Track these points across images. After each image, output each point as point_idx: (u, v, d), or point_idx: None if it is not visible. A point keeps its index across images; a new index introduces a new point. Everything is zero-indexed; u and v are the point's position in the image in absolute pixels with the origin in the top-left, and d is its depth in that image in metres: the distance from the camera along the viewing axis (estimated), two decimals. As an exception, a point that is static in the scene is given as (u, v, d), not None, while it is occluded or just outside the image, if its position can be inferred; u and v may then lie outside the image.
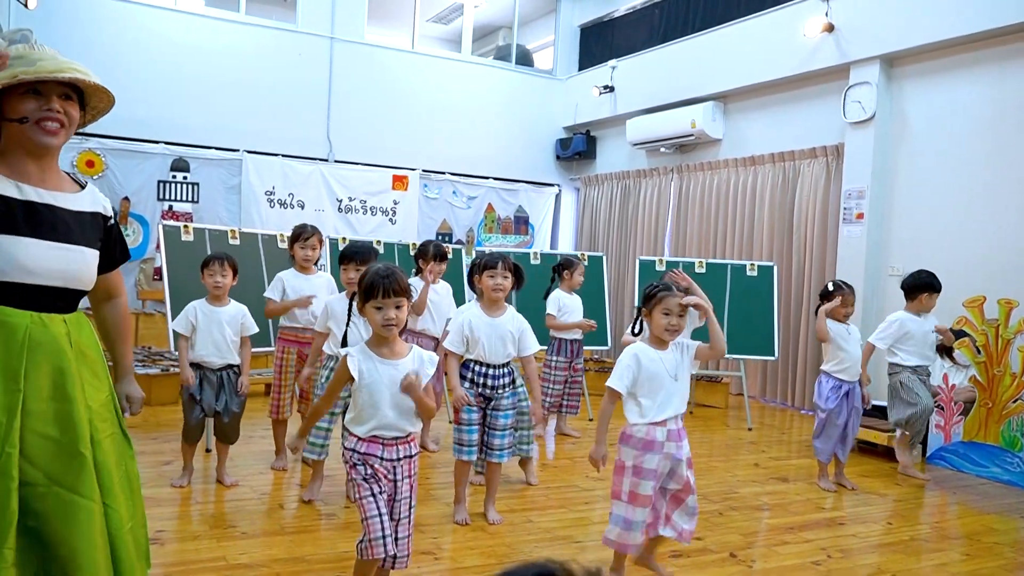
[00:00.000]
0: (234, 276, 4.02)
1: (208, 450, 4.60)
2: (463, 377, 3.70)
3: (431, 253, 4.91)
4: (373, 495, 2.54)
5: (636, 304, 3.19)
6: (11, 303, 1.82)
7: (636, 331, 3.09)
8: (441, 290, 5.07)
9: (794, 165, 7.34)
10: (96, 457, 1.90)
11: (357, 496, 2.57)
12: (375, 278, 2.50)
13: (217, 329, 3.94)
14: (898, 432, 5.06)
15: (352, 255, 3.92)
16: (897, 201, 6.48)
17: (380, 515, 2.53)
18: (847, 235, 6.69)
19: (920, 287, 4.93)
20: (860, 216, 6.57)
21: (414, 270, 5.07)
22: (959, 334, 5.30)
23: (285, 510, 3.79)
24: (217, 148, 8.16)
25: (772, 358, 6.61)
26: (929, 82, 6.25)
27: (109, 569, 1.89)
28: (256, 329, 4.11)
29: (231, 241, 5.27)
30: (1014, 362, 4.96)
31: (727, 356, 5.99)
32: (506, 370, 3.71)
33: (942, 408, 5.31)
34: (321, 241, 4.44)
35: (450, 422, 5.69)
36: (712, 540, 3.62)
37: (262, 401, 6.41)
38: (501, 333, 3.66)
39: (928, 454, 5.37)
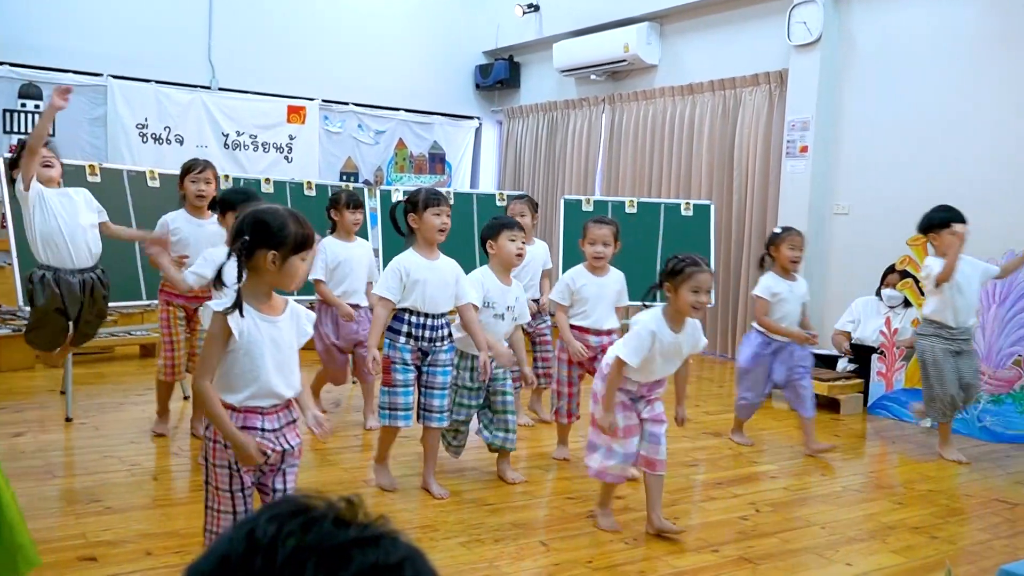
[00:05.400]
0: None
1: (68, 419, 4.52)
2: (398, 331, 3.63)
3: (343, 201, 4.73)
4: (231, 491, 2.44)
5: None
6: None
7: (649, 302, 3.35)
8: (362, 245, 4.82)
9: (735, 94, 7.46)
10: None
11: (213, 483, 2.45)
12: (304, 227, 2.42)
13: (69, 216, 3.81)
14: (923, 420, 5.00)
15: (243, 198, 3.83)
16: (844, 133, 6.67)
17: (235, 513, 2.43)
18: (791, 170, 6.87)
19: (933, 224, 4.53)
20: (804, 149, 6.75)
21: (329, 229, 4.81)
22: (903, 275, 5.54)
23: (158, 482, 3.76)
24: (76, 72, 7.78)
25: (709, 306, 6.77)
26: (880, 0, 6.40)
27: None
28: (105, 215, 4.21)
29: (90, 178, 5.09)
30: (958, 303, 5.21)
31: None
32: (444, 320, 3.70)
33: (884, 355, 5.57)
34: (216, 176, 4.37)
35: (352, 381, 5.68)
36: (635, 498, 3.75)
37: (136, 364, 6.30)
38: (442, 278, 3.63)
39: (869, 403, 5.63)
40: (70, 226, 4.07)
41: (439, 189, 3.73)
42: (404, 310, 3.61)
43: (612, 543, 3.27)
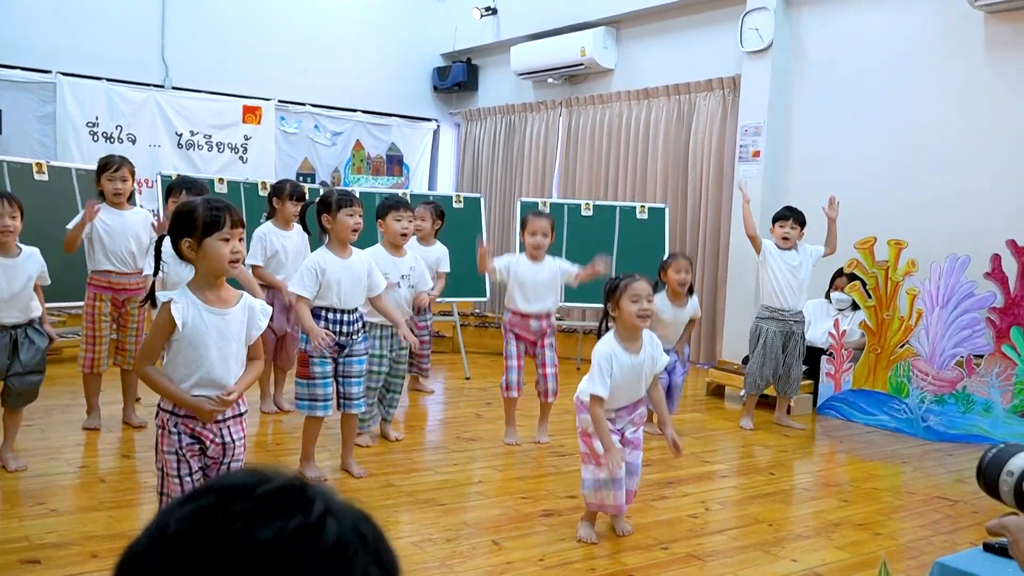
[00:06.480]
0: (21, 218, 3.69)
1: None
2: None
3: (287, 192, 4.93)
4: (180, 476, 2.51)
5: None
6: None
7: (604, 330, 3.36)
8: (296, 236, 4.99)
9: (689, 99, 7.55)
10: None
11: (163, 469, 2.54)
12: (217, 209, 2.48)
13: (5, 281, 3.66)
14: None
15: (187, 186, 3.90)
16: (795, 137, 6.80)
17: None
18: (744, 174, 6.97)
19: (775, 218, 5.34)
20: (756, 154, 6.86)
21: (265, 214, 5.01)
22: (851, 278, 5.66)
23: (105, 484, 3.70)
24: (24, 68, 7.64)
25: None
26: (829, 8, 6.54)
27: None
28: (48, 281, 3.82)
29: (37, 176, 5.01)
30: (903, 306, 5.35)
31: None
32: (358, 315, 3.87)
33: (832, 356, 5.68)
34: (132, 173, 4.43)
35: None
36: (587, 497, 3.78)
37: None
38: (356, 275, 3.81)
39: (818, 404, 5.74)
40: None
41: (350, 190, 3.96)
42: (321, 307, 3.78)
43: (564, 541, 3.30)
